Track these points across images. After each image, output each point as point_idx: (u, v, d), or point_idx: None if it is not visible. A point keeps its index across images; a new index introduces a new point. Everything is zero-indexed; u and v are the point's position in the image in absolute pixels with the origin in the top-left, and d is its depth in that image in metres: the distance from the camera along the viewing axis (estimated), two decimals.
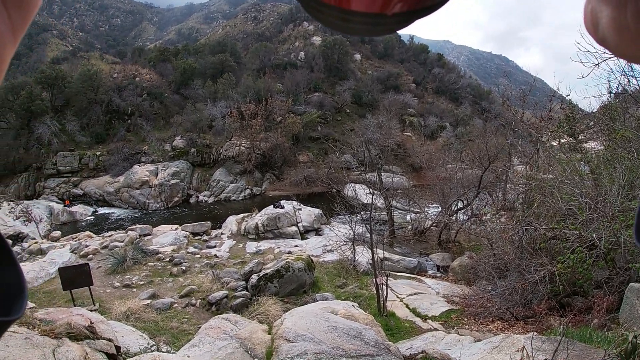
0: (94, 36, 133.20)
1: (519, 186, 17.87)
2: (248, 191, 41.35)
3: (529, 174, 16.15)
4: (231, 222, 25.95)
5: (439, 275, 19.64)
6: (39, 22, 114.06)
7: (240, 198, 40.50)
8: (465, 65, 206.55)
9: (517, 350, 6.25)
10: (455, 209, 25.04)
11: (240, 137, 43.94)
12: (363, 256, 17.94)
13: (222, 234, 24.89)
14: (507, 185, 21.83)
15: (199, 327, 10.66)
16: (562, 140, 17.93)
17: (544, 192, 13.12)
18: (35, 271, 16.85)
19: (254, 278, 14.71)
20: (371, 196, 15.87)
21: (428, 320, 12.97)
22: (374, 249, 13.70)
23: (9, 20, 0.38)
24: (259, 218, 24.38)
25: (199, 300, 14.09)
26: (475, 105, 69.44)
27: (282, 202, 26.68)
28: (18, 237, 24.48)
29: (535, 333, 7.66)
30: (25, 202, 34.88)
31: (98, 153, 43.62)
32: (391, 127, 42.15)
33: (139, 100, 49.56)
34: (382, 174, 26.90)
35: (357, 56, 71.19)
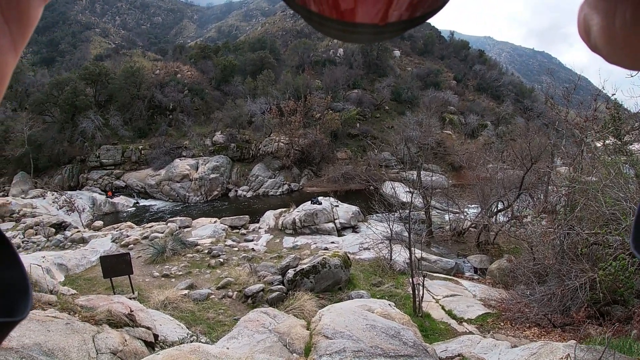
0: (136, 34, 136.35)
1: (561, 188, 17.36)
2: (286, 187, 41.62)
3: (572, 176, 15.64)
4: (269, 217, 26.22)
5: (476, 277, 19.29)
6: (82, 21, 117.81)
7: (278, 193, 40.88)
8: (507, 62, 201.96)
9: (561, 359, 6.14)
10: (495, 210, 24.53)
11: (279, 133, 44.22)
12: (400, 255, 17.82)
13: (259, 228, 25.21)
14: (549, 187, 21.25)
15: (235, 319, 10.91)
16: (607, 142, 17.31)
17: (587, 196, 12.71)
18: (77, 259, 17.52)
19: (290, 273, 14.83)
20: (410, 195, 15.78)
21: (463, 323, 12.81)
22: (412, 249, 13.63)
23: (10, 35, 0.39)
24: (296, 213, 24.55)
25: (236, 293, 14.32)
26: (518, 104, 67.92)
27: (320, 198, 26.62)
28: (61, 226, 25.14)
29: (576, 342, 7.49)
30: (69, 192, 36.33)
31: (140, 147, 44.68)
32: (431, 124, 41.85)
33: (181, 97, 50.47)
34: (421, 172, 26.65)
35: (397, 52, 70.44)
